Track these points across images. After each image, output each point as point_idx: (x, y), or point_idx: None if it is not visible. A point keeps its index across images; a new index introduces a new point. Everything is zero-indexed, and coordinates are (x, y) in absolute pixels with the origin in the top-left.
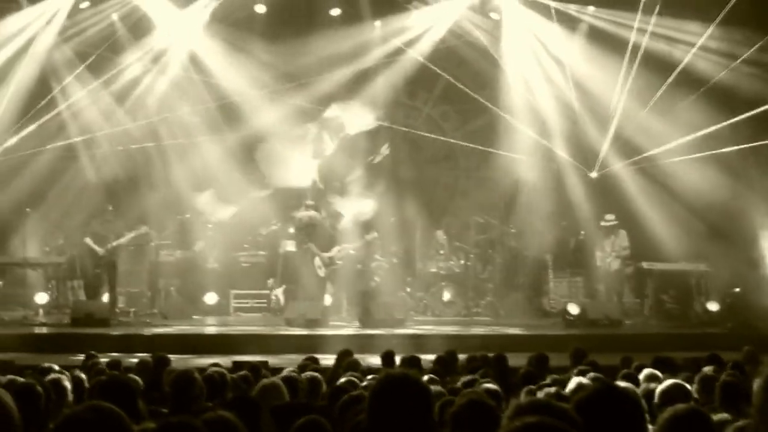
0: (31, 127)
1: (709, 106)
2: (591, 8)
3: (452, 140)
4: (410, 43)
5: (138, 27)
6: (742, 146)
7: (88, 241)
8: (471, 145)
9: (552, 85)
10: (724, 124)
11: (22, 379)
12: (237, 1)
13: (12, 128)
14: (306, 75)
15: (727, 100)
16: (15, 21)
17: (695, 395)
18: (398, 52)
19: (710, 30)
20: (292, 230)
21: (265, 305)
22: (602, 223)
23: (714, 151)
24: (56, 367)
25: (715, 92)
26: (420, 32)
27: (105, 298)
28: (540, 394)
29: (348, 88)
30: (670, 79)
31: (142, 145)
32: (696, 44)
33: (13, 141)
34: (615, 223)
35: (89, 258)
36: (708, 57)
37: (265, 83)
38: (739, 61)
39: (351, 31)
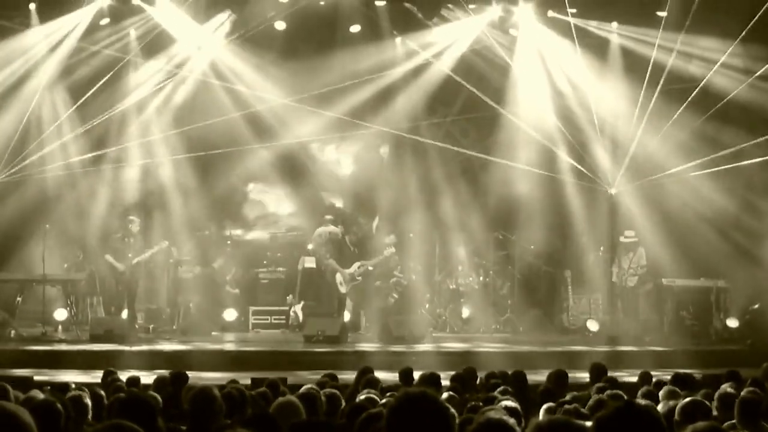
0: (53, 146)
1: (729, 122)
2: (612, 25)
3: (471, 152)
4: (431, 60)
5: (158, 42)
6: (758, 159)
7: (109, 258)
8: (489, 157)
9: (570, 101)
10: (747, 144)
11: (41, 396)
12: (256, 17)
13: (31, 145)
14: (326, 92)
15: (747, 116)
16: (34, 35)
17: (715, 412)
18: (418, 68)
19: (732, 47)
20: (311, 246)
21: (284, 322)
22: (622, 239)
23: (732, 165)
24: (73, 384)
25: (735, 108)
26: (441, 49)
27: (125, 314)
28: (560, 412)
29: (368, 105)
30: (691, 96)
31: (161, 159)
32: (711, 59)
33: (33, 159)
34: (635, 239)
35: (110, 275)
36: (726, 73)
37: (285, 100)
38: (755, 75)
39: (371, 48)
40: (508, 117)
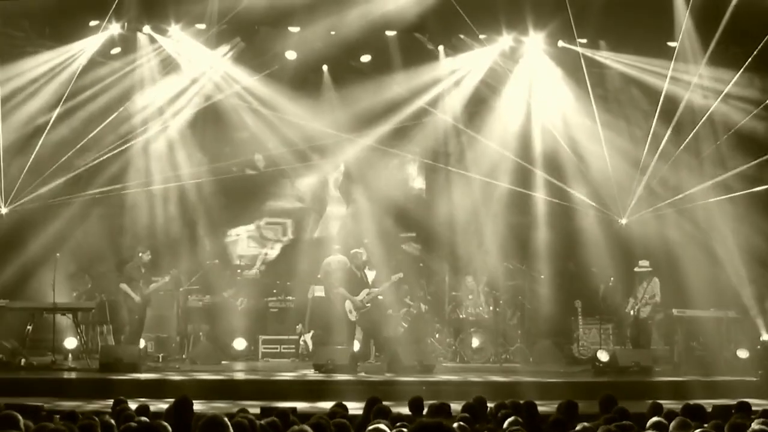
0: (65, 178)
1: (739, 152)
2: (623, 55)
3: (481, 177)
4: (442, 93)
5: (168, 71)
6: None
7: (125, 287)
8: (500, 183)
9: (580, 132)
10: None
11: (52, 425)
12: (266, 47)
13: (43, 174)
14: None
15: (758, 145)
16: (43, 63)
17: None
18: (431, 100)
19: (736, 77)
20: (320, 275)
21: (293, 351)
22: (636, 269)
23: (743, 192)
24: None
25: (745, 137)
26: (453, 80)
27: (142, 343)
28: None
29: (382, 133)
30: (698, 124)
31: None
32: (721, 89)
33: (45, 189)
34: (649, 269)
35: (126, 304)
36: (736, 104)
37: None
38: (762, 106)
39: (382, 78)
40: (516, 146)
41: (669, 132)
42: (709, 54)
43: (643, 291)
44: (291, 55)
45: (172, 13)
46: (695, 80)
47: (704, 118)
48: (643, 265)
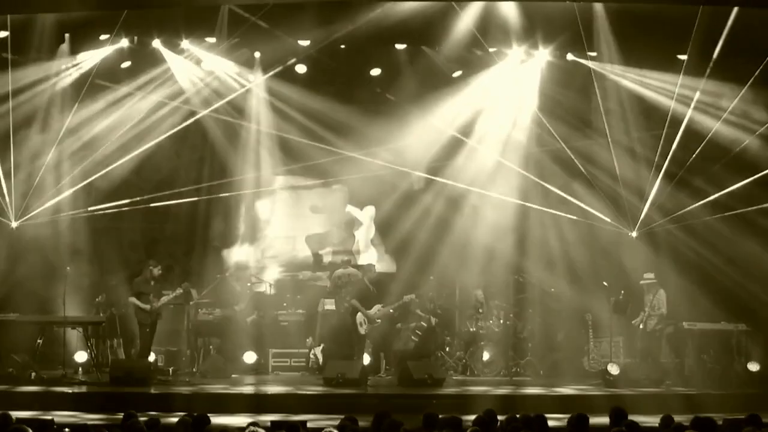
0: (72, 190)
1: (745, 168)
2: (633, 69)
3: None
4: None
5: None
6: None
7: (134, 300)
8: (508, 198)
9: (589, 145)
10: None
11: None
12: (277, 59)
13: (54, 188)
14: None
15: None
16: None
17: None
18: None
19: (743, 91)
20: (330, 288)
21: (303, 364)
22: (641, 282)
23: (752, 208)
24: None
25: (753, 153)
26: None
27: (152, 357)
28: None
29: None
30: (706, 138)
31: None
32: (729, 106)
33: (53, 201)
34: (654, 281)
35: (136, 317)
36: (741, 122)
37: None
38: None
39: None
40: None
41: (676, 144)
42: (714, 69)
43: (649, 303)
44: (301, 68)
45: (182, 27)
46: (700, 96)
47: (712, 132)
48: (648, 277)
